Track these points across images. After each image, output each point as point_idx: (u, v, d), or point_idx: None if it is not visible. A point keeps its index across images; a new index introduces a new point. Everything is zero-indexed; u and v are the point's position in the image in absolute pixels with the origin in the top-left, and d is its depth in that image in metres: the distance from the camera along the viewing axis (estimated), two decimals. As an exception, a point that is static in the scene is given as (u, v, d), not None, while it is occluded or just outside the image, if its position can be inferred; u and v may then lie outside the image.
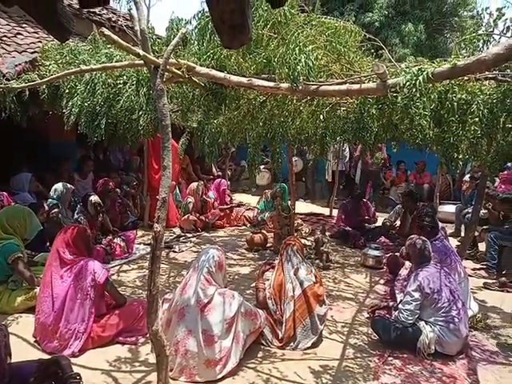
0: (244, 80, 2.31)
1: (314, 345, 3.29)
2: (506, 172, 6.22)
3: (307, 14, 2.48)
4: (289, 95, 2.64)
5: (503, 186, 6.16)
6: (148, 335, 3.21)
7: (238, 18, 1.23)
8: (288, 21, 2.35)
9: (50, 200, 5.16)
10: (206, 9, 2.58)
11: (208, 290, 2.87)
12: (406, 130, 2.63)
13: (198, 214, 6.91)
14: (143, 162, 7.19)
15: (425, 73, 1.79)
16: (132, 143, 3.45)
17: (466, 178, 7.53)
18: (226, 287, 3.11)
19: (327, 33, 2.30)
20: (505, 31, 1.98)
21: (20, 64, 3.56)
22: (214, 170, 9.50)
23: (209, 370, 2.80)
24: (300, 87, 2.13)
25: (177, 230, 6.90)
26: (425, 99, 1.80)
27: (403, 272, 4.08)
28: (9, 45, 5.18)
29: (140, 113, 2.82)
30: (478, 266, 5.54)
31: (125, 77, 2.82)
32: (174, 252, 5.80)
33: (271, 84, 2.29)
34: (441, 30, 13.30)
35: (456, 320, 3.17)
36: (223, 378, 2.82)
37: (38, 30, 6.18)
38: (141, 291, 4.26)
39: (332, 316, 3.83)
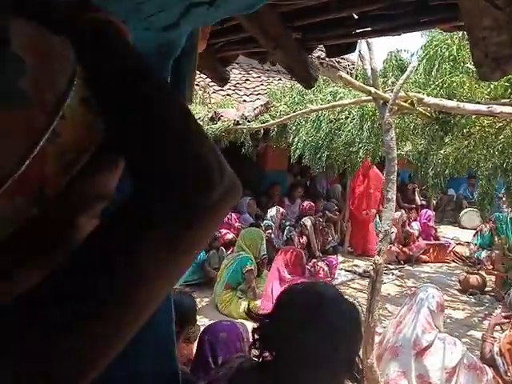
0: (483, 108, 2.12)
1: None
2: None
3: None
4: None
5: None
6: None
7: (505, 49, 1.16)
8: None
9: (265, 222, 5.85)
10: (433, 37, 2.52)
11: (429, 335, 2.66)
12: None
13: (400, 246, 6.58)
14: (344, 189, 7.37)
15: None
16: (350, 173, 3.59)
17: None
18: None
19: None
20: None
21: (257, 107, 4.27)
22: (417, 198, 8.89)
23: (423, 417, 2.58)
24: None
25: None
26: None
27: None
28: (240, 90, 6.25)
29: (360, 145, 2.94)
30: None
31: (346, 112, 2.99)
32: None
33: (519, 110, 2.03)
34: None
35: None
36: (439, 432, 2.55)
37: (260, 75, 7.24)
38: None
39: None
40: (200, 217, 0.36)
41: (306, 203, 6.48)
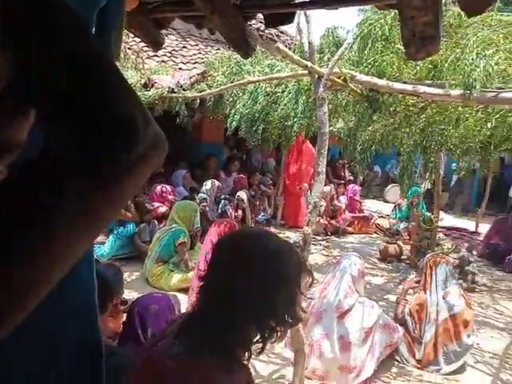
0: (408, 87, 2.26)
1: (457, 371, 3.02)
2: None
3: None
4: (459, 103, 2.48)
5: None
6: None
7: (431, 29, 1.23)
8: (461, 22, 2.20)
9: (200, 194, 5.80)
10: (368, 17, 2.60)
11: (350, 299, 2.88)
12: None
13: (328, 218, 6.94)
14: (278, 164, 7.53)
15: None
16: (284, 147, 3.65)
17: None
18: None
19: (509, 34, 2.08)
20: None
21: (194, 76, 4.12)
22: (345, 174, 9.38)
23: (342, 375, 2.81)
24: (475, 95, 1.99)
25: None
26: None
27: None
28: (176, 57, 5.99)
29: (295, 119, 2.99)
30: None
31: (283, 85, 3.01)
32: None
33: (440, 91, 2.19)
34: None
35: None
36: (356, 386, 2.81)
37: (198, 43, 6.99)
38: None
39: (478, 344, 3.46)
40: (123, 169, 0.35)
41: (237, 177, 6.55)
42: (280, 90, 2.99)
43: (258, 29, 8.05)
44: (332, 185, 7.69)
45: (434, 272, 3.19)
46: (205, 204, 5.63)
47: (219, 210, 5.90)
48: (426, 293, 3.17)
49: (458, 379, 2.98)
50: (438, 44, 1.25)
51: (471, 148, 3.21)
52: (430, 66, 2.34)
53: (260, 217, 6.68)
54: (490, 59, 1.90)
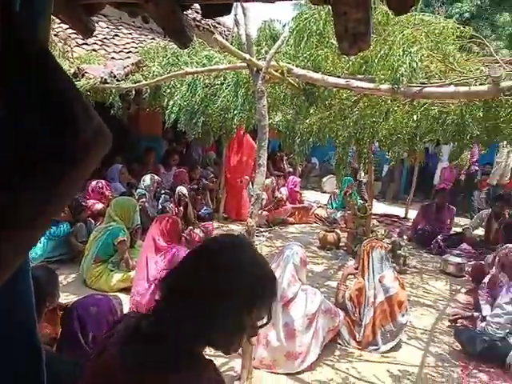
0: (341, 81, 2.34)
1: (393, 349, 3.24)
2: None
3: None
4: (388, 97, 2.62)
5: None
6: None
7: (362, 26, 1.27)
8: (389, 20, 2.33)
9: (138, 190, 5.60)
10: (303, 11, 2.65)
11: (293, 287, 2.95)
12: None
13: (270, 210, 7.06)
14: (219, 156, 7.49)
15: (548, 76, 1.70)
16: (224, 140, 3.61)
17: None
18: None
19: (430, 32, 2.24)
20: None
21: (128, 66, 3.92)
22: (285, 166, 9.59)
23: (289, 362, 2.89)
24: (402, 89, 2.12)
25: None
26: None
27: (486, 280, 3.85)
28: (108, 46, 5.68)
29: (235, 112, 2.97)
30: None
31: (222, 78, 2.98)
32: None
33: (370, 85, 2.30)
34: (541, 19, 12.07)
35: (555, 338, 2.94)
36: (302, 371, 2.90)
37: (131, 31, 6.69)
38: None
39: (411, 322, 3.73)
40: (68, 157, 0.35)
41: (178, 171, 6.42)
42: (219, 82, 2.96)
43: (194, 19, 7.90)
44: (273, 177, 7.82)
45: (370, 257, 3.37)
46: (144, 200, 5.45)
47: (159, 206, 5.74)
48: (363, 278, 3.35)
49: (394, 356, 3.20)
50: (369, 40, 1.31)
51: (400, 139, 3.44)
52: (362, 61, 2.46)
53: (202, 211, 6.62)
54: (415, 56, 2.04)
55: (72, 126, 0.35)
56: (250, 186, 7.97)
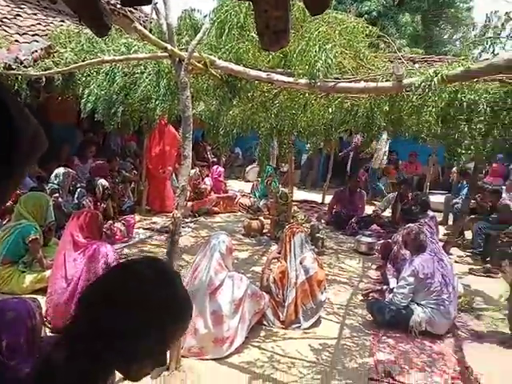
0: (263, 74, 2.43)
1: (314, 325, 3.49)
2: (495, 164, 6.49)
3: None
4: (306, 91, 2.77)
5: (491, 178, 6.43)
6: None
7: (282, 24, 1.35)
8: (305, 17, 2.45)
9: (50, 184, 5.21)
10: (224, 3, 2.68)
11: (220, 275, 3.03)
12: (412, 125, 2.79)
13: (195, 200, 7.04)
14: (140, 147, 7.24)
15: (439, 75, 1.94)
16: (146, 131, 3.50)
17: (454, 169, 7.80)
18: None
19: (343, 30, 2.42)
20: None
21: (36, 51, 3.57)
22: (209, 156, 9.58)
23: (217, 347, 2.97)
24: (318, 83, 2.27)
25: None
26: (436, 98, 1.95)
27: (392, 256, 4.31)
28: (9, 27, 5.14)
29: (157, 102, 2.91)
30: (463, 253, 5.83)
31: (142, 67, 2.89)
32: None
33: (290, 79, 2.42)
34: (437, 21, 13.48)
35: (446, 303, 3.41)
36: (230, 355, 3.00)
37: (36, 12, 6.11)
38: (145, 274, 4.41)
39: (329, 298, 4.04)
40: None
41: (95, 163, 6.08)
42: (139, 71, 2.86)
43: (108, 2, 7.45)
44: (197, 168, 7.78)
45: (292, 242, 3.58)
46: (57, 195, 5.10)
47: (75, 201, 5.41)
48: (286, 261, 3.55)
49: (315, 331, 3.45)
50: (288, 37, 1.38)
51: (317, 130, 3.67)
52: (281, 55, 2.57)
53: (124, 205, 6.38)
54: (330, 52, 2.20)
55: (11, 127, 0.36)
56: (174, 176, 7.86)
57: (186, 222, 6.60)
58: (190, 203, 6.88)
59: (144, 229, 6.06)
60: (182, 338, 2.84)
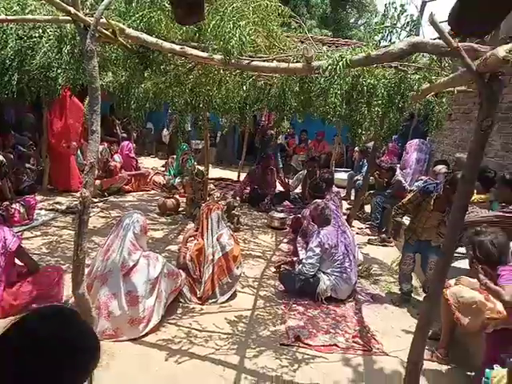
0: (177, 47, 2.34)
1: (230, 299, 3.61)
2: (390, 144, 7.19)
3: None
4: (221, 67, 2.73)
5: (387, 157, 7.12)
6: (65, 301, 3.20)
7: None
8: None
9: None
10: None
11: (134, 255, 2.94)
12: (320, 106, 2.95)
13: (104, 179, 6.65)
14: (39, 120, 6.55)
15: (344, 59, 2.08)
16: (48, 102, 3.17)
17: (356, 148, 8.46)
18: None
19: (256, 8, 2.42)
20: (405, 25, 2.35)
21: None
22: (118, 131, 9.03)
23: (133, 328, 2.92)
24: (233, 61, 2.26)
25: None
26: (341, 82, 2.09)
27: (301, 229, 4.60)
28: None
29: (59, 71, 2.64)
30: (363, 225, 6.44)
31: (40, 30, 2.58)
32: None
33: (205, 54, 2.37)
34: (344, 4, 14.17)
35: (348, 270, 3.76)
36: (146, 334, 2.98)
37: None
38: (49, 258, 4.11)
39: (244, 272, 4.19)
40: None
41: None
42: (37, 35, 2.55)
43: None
44: (105, 143, 7.32)
45: (209, 219, 3.60)
46: None
47: (-39, 179, 4.77)
48: (203, 238, 3.57)
49: (231, 305, 3.57)
50: (203, 12, 1.37)
51: (232, 107, 3.69)
52: (196, 28, 2.50)
53: (23, 184, 5.78)
54: (243, 30, 2.20)
55: None
56: (79, 153, 7.30)
57: (95, 202, 6.23)
58: (98, 181, 6.48)
59: (47, 210, 5.59)
60: (95, 319, 2.74)
